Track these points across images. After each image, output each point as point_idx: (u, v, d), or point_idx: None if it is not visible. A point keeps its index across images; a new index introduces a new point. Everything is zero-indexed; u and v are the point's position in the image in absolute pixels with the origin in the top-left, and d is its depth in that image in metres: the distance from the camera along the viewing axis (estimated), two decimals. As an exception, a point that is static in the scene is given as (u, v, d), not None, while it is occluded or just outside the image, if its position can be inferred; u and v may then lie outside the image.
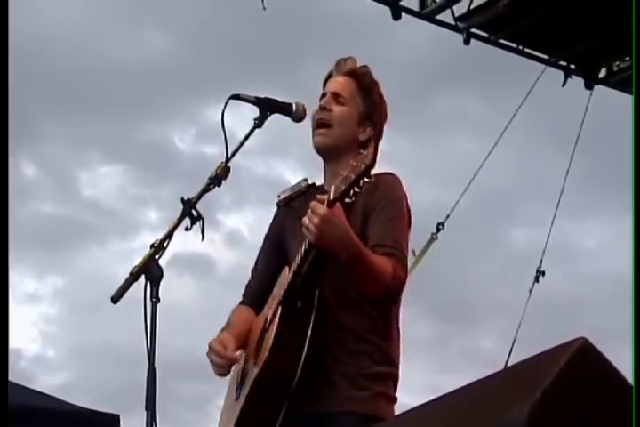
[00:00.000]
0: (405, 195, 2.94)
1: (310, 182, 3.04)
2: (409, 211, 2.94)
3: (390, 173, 2.96)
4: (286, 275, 2.84)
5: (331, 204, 2.56)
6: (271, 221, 3.15)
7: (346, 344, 2.79)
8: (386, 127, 3.05)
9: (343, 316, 2.80)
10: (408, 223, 2.93)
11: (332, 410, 2.75)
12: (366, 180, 2.50)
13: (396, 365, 2.88)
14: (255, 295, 3.07)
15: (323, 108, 2.98)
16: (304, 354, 2.66)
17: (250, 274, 3.15)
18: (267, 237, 3.14)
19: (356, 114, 2.97)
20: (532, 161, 11.05)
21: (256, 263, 3.14)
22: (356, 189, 2.50)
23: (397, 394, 2.87)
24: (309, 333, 2.68)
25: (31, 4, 8.86)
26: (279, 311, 2.73)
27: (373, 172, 2.95)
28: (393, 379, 2.87)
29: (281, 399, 2.69)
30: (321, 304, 2.74)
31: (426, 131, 11.14)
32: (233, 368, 2.91)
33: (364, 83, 3.02)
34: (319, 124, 2.97)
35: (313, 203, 2.59)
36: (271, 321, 2.78)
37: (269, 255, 3.09)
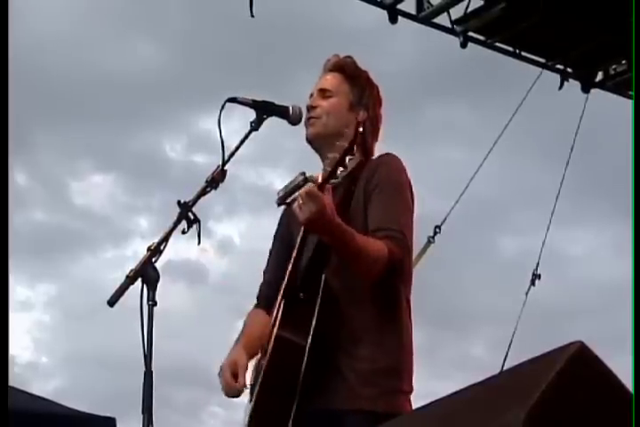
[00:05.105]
0: (406, 172, 2.92)
1: (308, 175, 3.01)
2: (411, 187, 2.93)
3: (388, 154, 2.96)
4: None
5: (321, 185, 2.57)
6: (279, 220, 3.14)
7: (356, 338, 2.76)
8: (382, 111, 3.06)
9: (352, 309, 2.76)
10: (411, 199, 2.91)
11: (344, 407, 2.72)
12: (351, 157, 2.54)
13: (407, 356, 2.84)
14: (267, 297, 3.04)
15: (310, 107, 3.00)
16: (308, 346, 2.63)
17: (262, 276, 3.13)
18: (275, 237, 3.13)
19: (345, 102, 2.99)
20: (525, 168, 11.10)
21: (267, 264, 3.12)
22: (341, 169, 2.54)
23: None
24: (314, 324, 2.65)
25: (23, 16, 8.86)
26: (282, 305, 2.71)
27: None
28: (405, 371, 2.82)
29: (291, 394, 2.65)
30: (328, 297, 2.70)
31: (420, 138, 11.16)
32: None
33: (348, 71, 3.05)
34: (309, 120, 2.98)
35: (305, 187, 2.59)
36: (276, 316, 2.75)
37: (279, 256, 3.06)
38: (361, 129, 2.65)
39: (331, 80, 3.04)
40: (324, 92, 3.01)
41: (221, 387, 2.85)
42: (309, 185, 2.60)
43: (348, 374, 2.73)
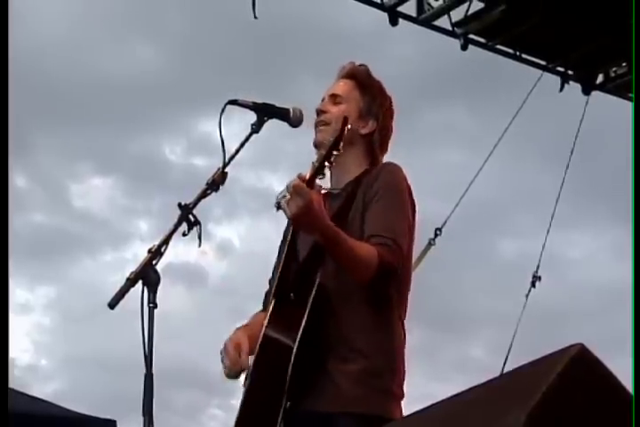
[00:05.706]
0: (406, 182, 2.91)
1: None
2: (411, 197, 2.91)
3: (390, 163, 2.96)
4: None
5: (309, 181, 2.56)
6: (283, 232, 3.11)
7: (347, 340, 2.74)
8: (394, 122, 3.06)
9: (345, 311, 2.75)
10: (411, 209, 2.89)
11: (334, 410, 2.69)
12: (335, 153, 2.56)
13: (398, 360, 2.81)
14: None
15: (320, 112, 3.01)
16: (296, 347, 2.61)
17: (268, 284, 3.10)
18: (279, 248, 3.09)
19: (355, 109, 2.98)
20: (525, 171, 11.11)
21: (272, 274, 3.07)
22: (326, 164, 2.56)
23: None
24: (303, 325, 2.63)
25: (23, 19, 8.87)
26: (272, 305, 2.71)
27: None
28: (396, 374, 2.80)
29: (279, 395, 2.63)
30: (321, 298, 2.69)
31: (420, 141, 11.16)
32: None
33: (360, 79, 3.05)
34: (318, 125, 2.99)
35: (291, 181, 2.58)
36: (266, 316, 2.75)
37: None
38: (349, 126, 2.65)
39: (343, 86, 3.04)
40: (334, 98, 3.02)
41: (223, 365, 2.82)
42: (296, 180, 2.58)
43: (337, 375, 2.71)
